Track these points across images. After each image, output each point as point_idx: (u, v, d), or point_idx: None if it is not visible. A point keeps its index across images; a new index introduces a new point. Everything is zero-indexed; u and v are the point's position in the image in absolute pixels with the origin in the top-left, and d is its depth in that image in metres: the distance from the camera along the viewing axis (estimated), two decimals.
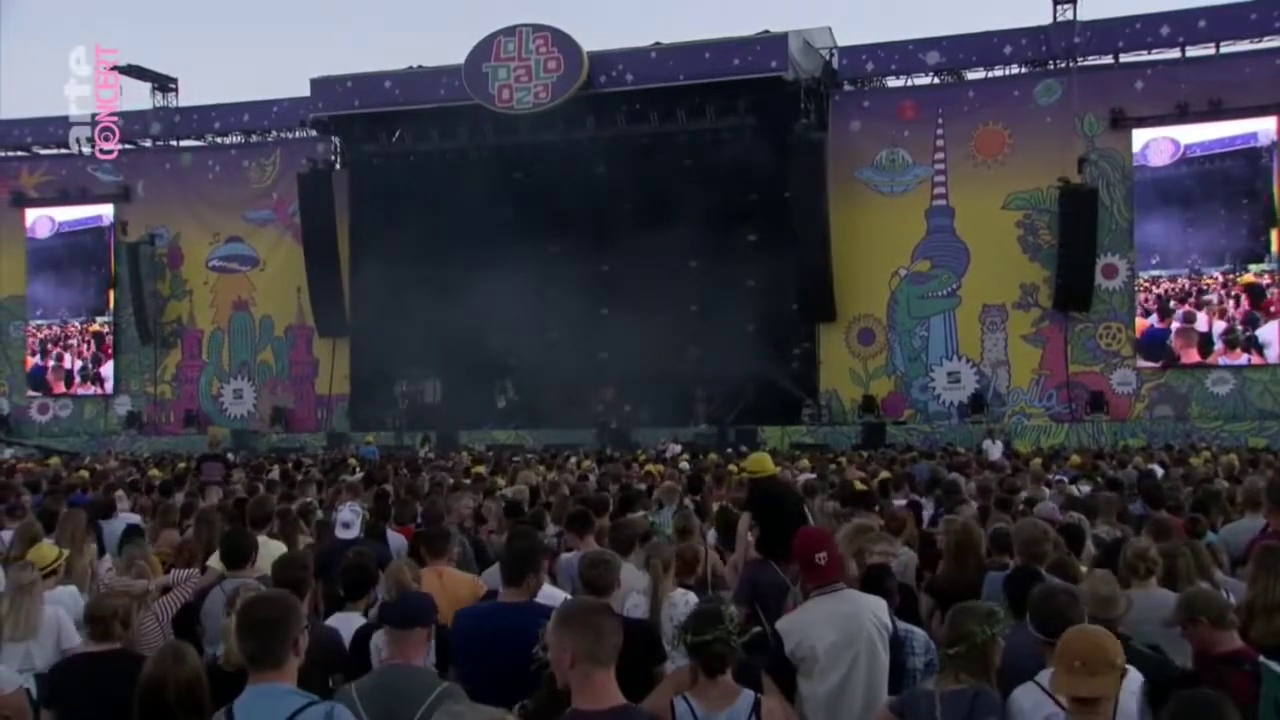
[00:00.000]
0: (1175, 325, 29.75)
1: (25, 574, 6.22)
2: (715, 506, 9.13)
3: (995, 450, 20.72)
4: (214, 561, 7.27)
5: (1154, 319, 30.01)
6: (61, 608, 6.33)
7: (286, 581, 5.42)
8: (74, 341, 38.95)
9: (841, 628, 5.06)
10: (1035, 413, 30.34)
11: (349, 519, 8.30)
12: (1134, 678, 4.21)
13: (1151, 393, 29.94)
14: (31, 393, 38.99)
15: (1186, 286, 29.83)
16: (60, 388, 38.97)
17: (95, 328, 38.82)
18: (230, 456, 20.60)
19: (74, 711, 4.94)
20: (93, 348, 38.81)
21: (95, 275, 39.05)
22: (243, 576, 6.59)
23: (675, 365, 34.20)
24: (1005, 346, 31.00)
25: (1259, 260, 29.49)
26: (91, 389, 38.73)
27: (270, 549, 7.49)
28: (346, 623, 5.97)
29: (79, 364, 38.83)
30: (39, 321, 39.30)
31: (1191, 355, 29.64)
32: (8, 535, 8.71)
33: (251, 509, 8.89)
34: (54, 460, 23.21)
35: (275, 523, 8.77)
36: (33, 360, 39.09)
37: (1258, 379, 29.24)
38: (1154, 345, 29.95)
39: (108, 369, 38.57)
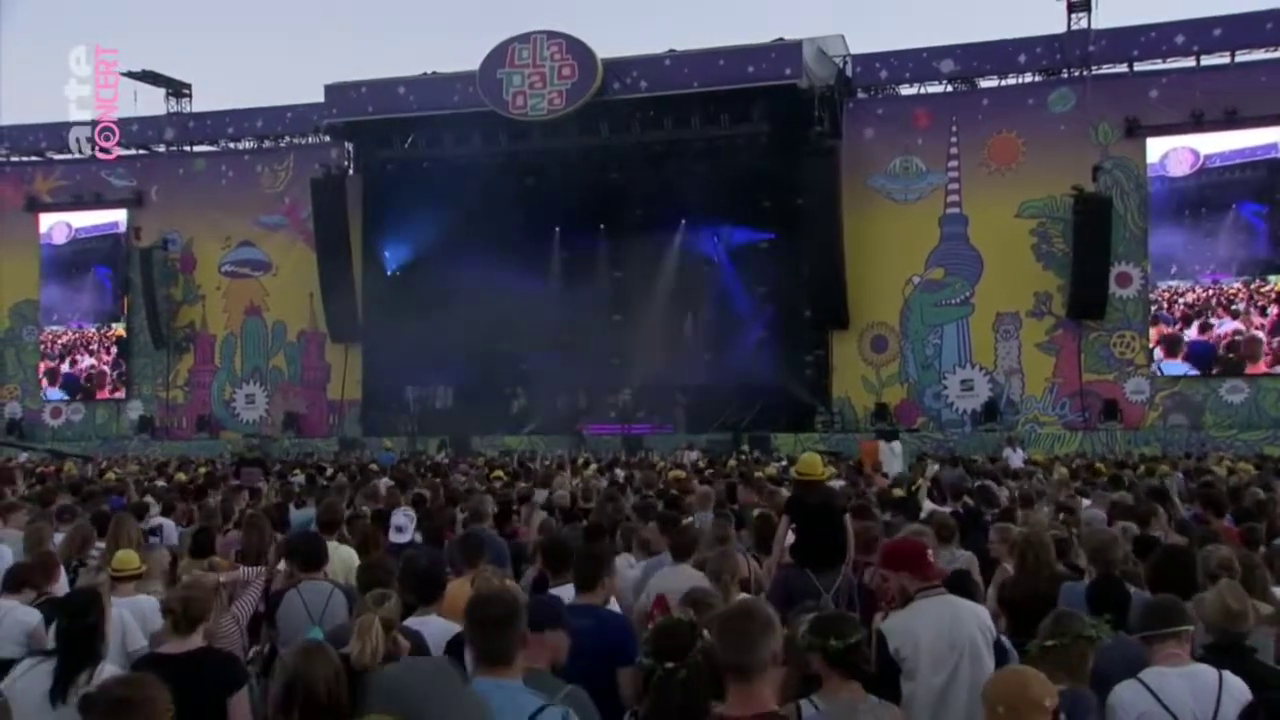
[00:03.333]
0: (1218, 335, 29.54)
1: (96, 577, 6.22)
2: (756, 512, 9.09)
3: (1016, 458, 20.67)
4: (282, 564, 7.29)
5: (1194, 330, 29.72)
6: (127, 610, 6.31)
7: (373, 585, 5.46)
8: (94, 346, 39.00)
9: (946, 630, 5.10)
10: (1048, 421, 30.30)
11: (403, 523, 8.30)
12: (1239, 688, 4.18)
13: (1165, 401, 29.89)
14: (59, 397, 39.01)
15: (1207, 296, 29.74)
16: (83, 394, 39.06)
17: (110, 332, 38.88)
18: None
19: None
20: (113, 353, 38.86)
21: (109, 280, 39.12)
22: (315, 580, 6.64)
23: (688, 372, 34.22)
24: (1018, 354, 30.95)
25: (1278, 271, 29.44)
26: (106, 394, 38.77)
27: (340, 553, 7.55)
28: (424, 625, 5.93)
29: (98, 369, 38.89)
30: (54, 327, 39.36)
31: (1258, 366, 29.41)
32: (59, 538, 8.69)
33: (322, 513, 8.90)
34: (69, 465, 23.18)
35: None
36: (47, 364, 39.15)
37: (1271, 388, 29.18)
38: (1202, 356, 29.66)
39: (121, 373, 38.62)
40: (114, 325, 38.94)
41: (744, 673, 3.64)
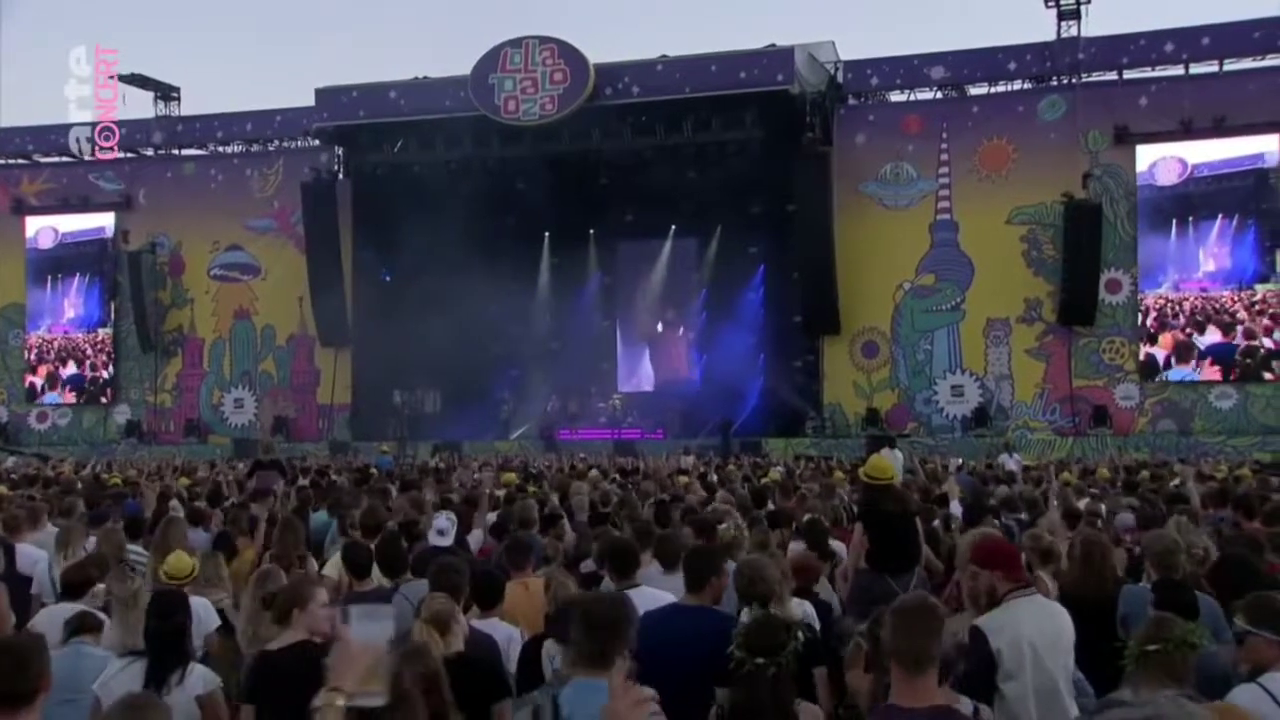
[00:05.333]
0: (1238, 340, 29.61)
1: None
2: (806, 518, 9.05)
3: (1012, 463, 20.69)
4: (330, 570, 7.28)
5: (1215, 335, 29.72)
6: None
7: (447, 587, 5.50)
8: (87, 349, 38.81)
9: (1044, 630, 5.08)
10: (1039, 426, 30.41)
11: (444, 526, 8.29)
12: None
13: (1154, 407, 30.04)
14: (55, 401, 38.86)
15: (1202, 304, 29.91)
16: (70, 397, 38.90)
17: (97, 337, 38.70)
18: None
19: (276, 706, 4.91)
20: (97, 356, 38.66)
21: (96, 284, 38.94)
22: (363, 587, 6.67)
23: (679, 377, 34.28)
24: (1009, 360, 31.07)
25: (1265, 280, 29.63)
26: (96, 397, 38.63)
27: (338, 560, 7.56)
28: (494, 630, 5.97)
29: (89, 372, 38.74)
30: (39, 332, 39.16)
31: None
32: (91, 542, 8.63)
33: (364, 517, 8.90)
34: (65, 468, 23.02)
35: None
36: (48, 368, 38.98)
37: (1260, 394, 29.35)
38: (1225, 358, 29.67)
39: (108, 377, 38.45)
40: (100, 330, 38.74)
41: (918, 663, 3.69)
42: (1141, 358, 30.23)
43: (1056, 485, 12.27)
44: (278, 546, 8.23)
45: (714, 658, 4.38)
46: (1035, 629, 5.06)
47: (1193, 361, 29.95)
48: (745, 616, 5.57)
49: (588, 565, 7.61)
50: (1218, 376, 29.74)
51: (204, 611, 6.46)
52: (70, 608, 6.31)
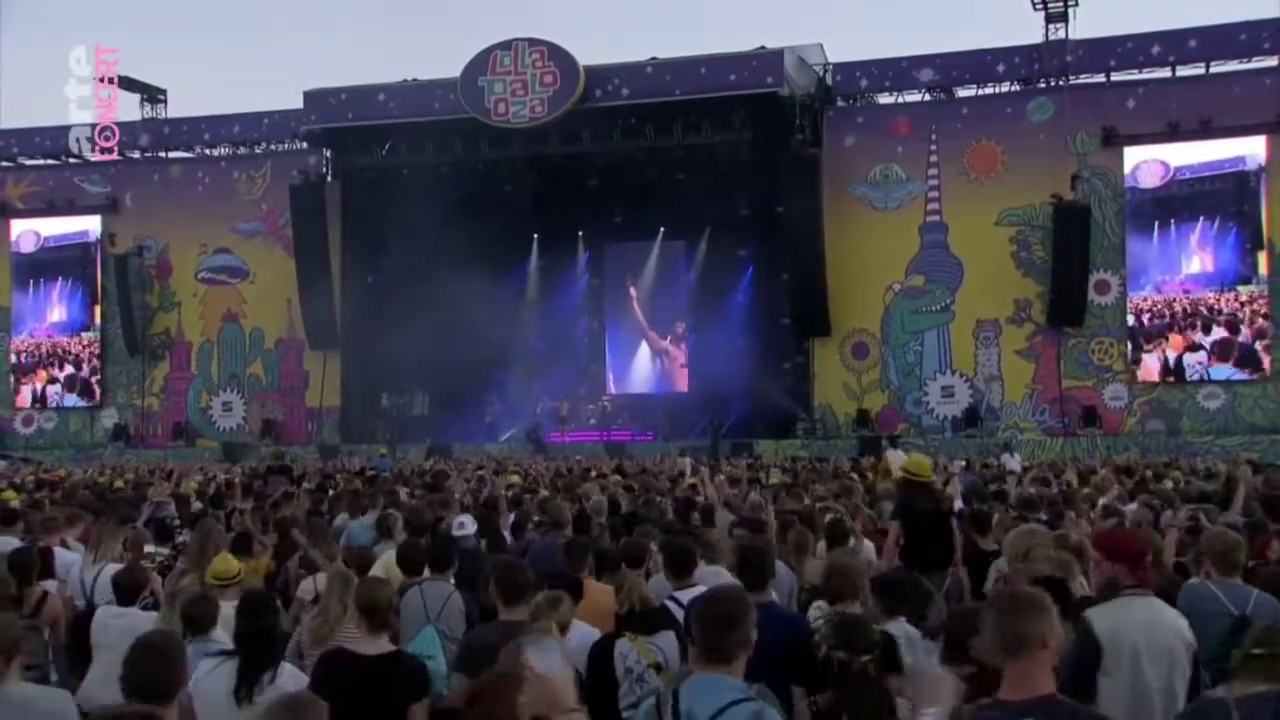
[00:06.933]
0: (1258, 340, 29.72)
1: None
2: (828, 518, 9.09)
3: (1013, 463, 20.77)
4: (378, 570, 7.32)
5: (1243, 333, 29.74)
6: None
7: (514, 586, 5.65)
8: (74, 352, 38.59)
9: (1154, 632, 5.01)
10: (1028, 427, 30.55)
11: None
12: None
13: (1143, 407, 30.24)
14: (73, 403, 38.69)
15: (1194, 305, 30.09)
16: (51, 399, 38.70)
17: (82, 340, 38.51)
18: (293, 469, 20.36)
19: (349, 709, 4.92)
20: (82, 360, 38.48)
21: (80, 288, 38.74)
22: (440, 580, 6.84)
23: (668, 379, 34.31)
24: (999, 361, 31.22)
25: (1248, 282, 29.87)
26: (83, 401, 38.46)
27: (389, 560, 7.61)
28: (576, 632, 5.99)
29: (74, 375, 38.55)
30: (23, 336, 38.93)
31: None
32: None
33: (410, 517, 8.95)
34: (62, 472, 22.92)
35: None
36: (51, 373, 38.77)
37: (1248, 394, 29.58)
38: (1249, 356, 29.72)
39: (94, 381, 38.26)
40: (85, 334, 38.55)
41: (1025, 646, 3.66)
42: (1159, 360, 30.23)
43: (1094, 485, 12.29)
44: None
45: (791, 657, 4.39)
46: (1143, 632, 4.98)
47: (1232, 360, 29.92)
48: (815, 615, 5.62)
49: None
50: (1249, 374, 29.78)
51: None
52: (125, 612, 6.34)
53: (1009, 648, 3.68)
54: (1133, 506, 10.71)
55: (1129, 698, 4.91)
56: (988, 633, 3.78)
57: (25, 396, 38.85)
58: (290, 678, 5.18)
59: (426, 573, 7.01)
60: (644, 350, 36.36)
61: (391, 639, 5.75)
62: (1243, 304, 29.75)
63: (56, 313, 38.98)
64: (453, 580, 7.02)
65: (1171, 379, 30.22)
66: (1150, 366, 30.36)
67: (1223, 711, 4.13)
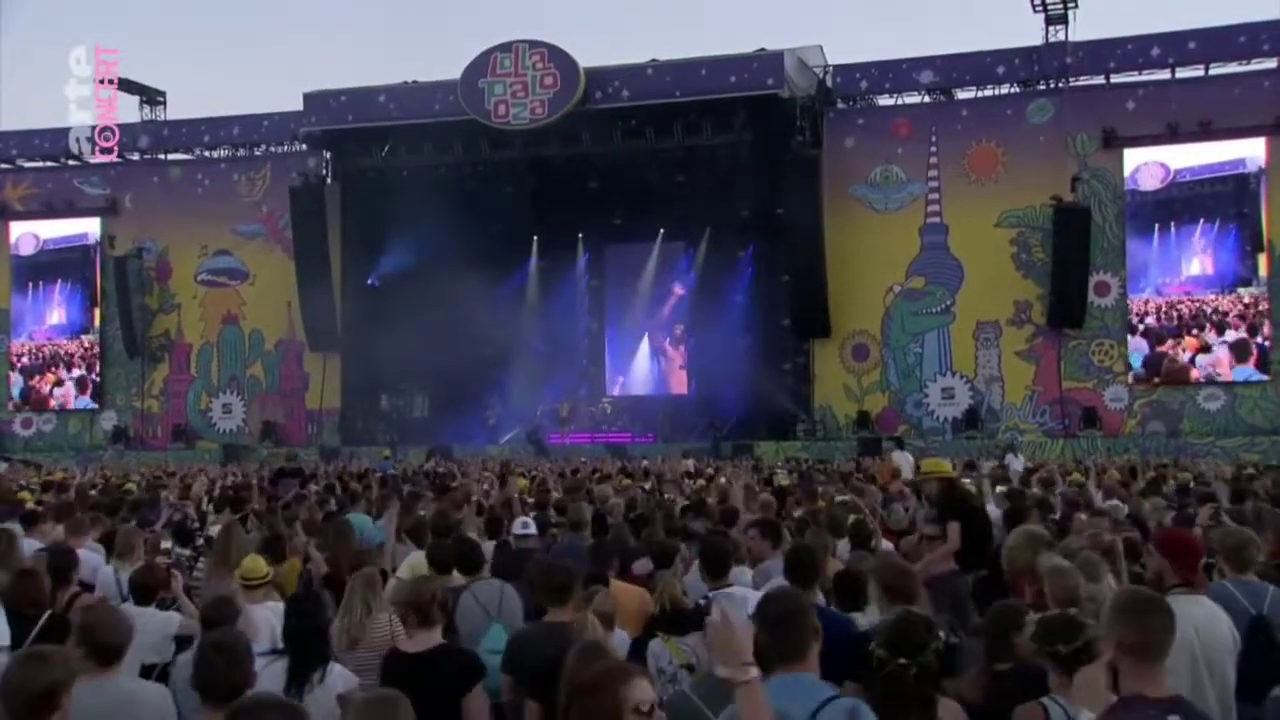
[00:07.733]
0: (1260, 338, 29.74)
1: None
2: (851, 519, 9.07)
3: (1018, 464, 20.79)
4: (404, 571, 7.36)
5: (1259, 335, 29.75)
6: (272, 615, 6.29)
7: (557, 587, 5.74)
8: (74, 354, 38.55)
9: (1209, 636, 4.99)
10: (1029, 428, 30.59)
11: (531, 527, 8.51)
12: None
13: (1143, 409, 30.28)
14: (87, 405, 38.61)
15: (1196, 309, 30.17)
16: (51, 403, 38.65)
17: (81, 343, 38.47)
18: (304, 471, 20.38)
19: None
20: (81, 362, 38.44)
21: (79, 290, 38.70)
22: (483, 580, 6.92)
23: (668, 380, 34.34)
24: (999, 363, 31.26)
25: (1248, 284, 29.95)
26: (81, 402, 38.41)
27: (414, 559, 7.64)
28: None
29: (74, 377, 38.51)
30: (22, 338, 38.88)
31: None
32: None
33: (434, 519, 9.00)
34: (59, 474, 22.87)
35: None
36: (54, 376, 38.69)
37: (1248, 395, 29.64)
38: (1265, 357, 29.67)
39: (94, 383, 38.22)
40: (84, 336, 38.51)
41: (1164, 651, 3.73)
42: (1183, 361, 30.20)
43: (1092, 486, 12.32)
44: (336, 548, 8.27)
45: (839, 657, 4.39)
46: (1198, 633, 4.94)
47: (1252, 361, 29.86)
48: (866, 617, 5.64)
49: (642, 565, 7.64)
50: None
51: (276, 617, 6.47)
52: (142, 611, 6.35)
53: (1154, 649, 3.72)
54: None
55: (1189, 696, 4.83)
56: (1118, 631, 3.76)
57: (49, 397, 38.74)
58: (340, 677, 5.20)
59: (456, 575, 7.04)
60: (644, 351, 36.42)
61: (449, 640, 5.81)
62: (1245, 305, 29.82)
63: (56, 315, 38.94)
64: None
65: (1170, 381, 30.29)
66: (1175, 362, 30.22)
67: (1276, 709, 4.19)
